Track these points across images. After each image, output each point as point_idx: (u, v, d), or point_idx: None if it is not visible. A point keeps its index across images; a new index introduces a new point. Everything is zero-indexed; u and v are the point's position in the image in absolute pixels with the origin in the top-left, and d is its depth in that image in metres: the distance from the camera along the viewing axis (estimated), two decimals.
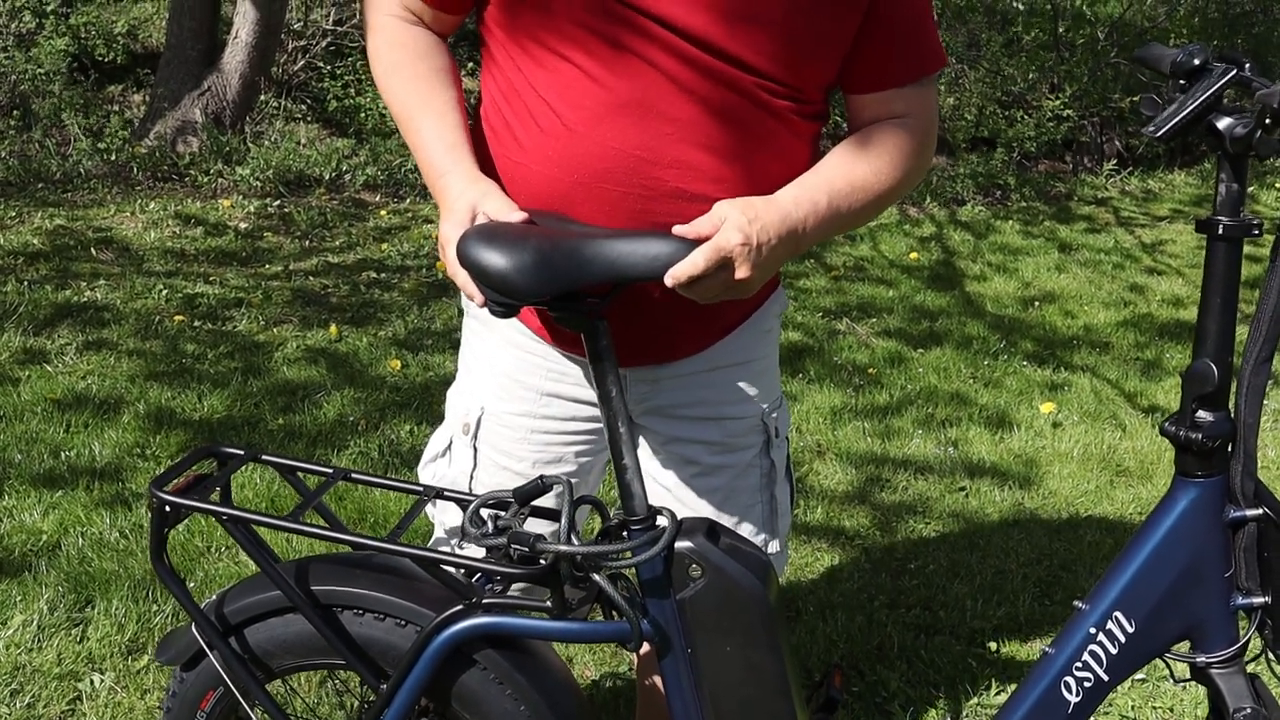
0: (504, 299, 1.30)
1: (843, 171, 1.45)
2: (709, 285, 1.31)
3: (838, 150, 1.49)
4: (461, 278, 1.34)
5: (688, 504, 1.64)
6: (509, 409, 1.61)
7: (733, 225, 1.30)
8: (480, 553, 1.42)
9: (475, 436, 1.63)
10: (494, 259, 1.28)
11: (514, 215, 1.36)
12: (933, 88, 1.53)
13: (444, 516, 1.68)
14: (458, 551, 1.59)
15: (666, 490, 1.66)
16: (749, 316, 1.63)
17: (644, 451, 1.67)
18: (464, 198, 1.39)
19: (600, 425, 1.61)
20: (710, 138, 1.41)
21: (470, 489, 1.64)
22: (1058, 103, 8.21)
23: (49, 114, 6.95)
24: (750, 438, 1.65)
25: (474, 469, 1.63)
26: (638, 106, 1.39)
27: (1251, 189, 8.11)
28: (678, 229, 1.31)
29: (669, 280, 1.29)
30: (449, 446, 1.67)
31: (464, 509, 1.47)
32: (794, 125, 1.47)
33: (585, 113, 1.40)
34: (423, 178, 1.51)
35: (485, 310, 1.51)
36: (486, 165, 1.50)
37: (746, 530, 1.67)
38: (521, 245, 1.29)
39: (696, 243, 1.30)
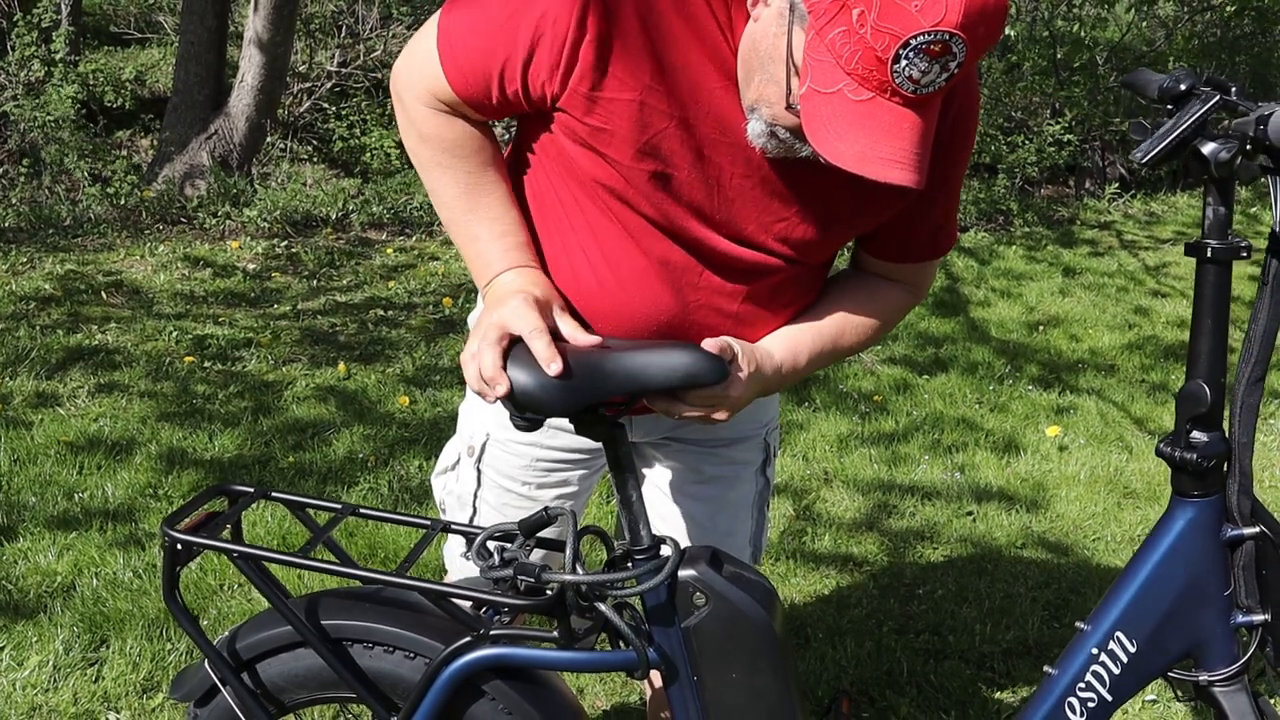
0: (530, 415, 1.33)
1: (829, 332, 1.51)
2: (686, 413, 1.38)
3: (835, 305, 1.53)
4: (530, 329, 1.33)
5: (686, 513, 1.68)
6: (514, 437, 1.64)
7: (734, 381, 1.37)
8: (487, 584, 1.44)
9: (479, 459, 1.67)
10: (519, 376, 1.31)
11: (588, 338, 1.36)
12: (938, 262, 1.60)
13: (451, 546, 1.71)
14: (465, 584, 1.61)
15: (664, 503, 1.71)
16: None
17: (647, 470, 1.72)
18: (539, 287, 1.38)
19: (599, 447, 1.66)
20: (737, 298, 1.46)
21: (474, 507, 1.67)
22: (1059, 127, 8.25)
23: (58, 160, 7.02)
24: (752, 454, 1.70)
25: (478, 489, 1.68)
26: (671, 275, 1.43)
27: (1254, 210, 8.13)
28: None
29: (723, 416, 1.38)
30: (457, 463, 1.71)
31: (469, 542, 1.50)
32: (815, 274, 1.53)
33: (623, 271, 1.43)
34: (476, 275, 1.45)
35: None
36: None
37: (736, 543, 1.71)
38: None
39: (710, 353, 1.33)
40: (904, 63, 1.11)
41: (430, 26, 1.41)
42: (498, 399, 1.32)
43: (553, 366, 1.29)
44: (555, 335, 1.35)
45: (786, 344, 1.48)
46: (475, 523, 1.67)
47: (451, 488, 1.71)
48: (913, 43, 1.10)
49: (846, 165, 1.16)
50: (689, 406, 1.36)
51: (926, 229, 1.50)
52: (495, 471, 1.67)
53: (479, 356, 1.32)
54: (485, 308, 1.39)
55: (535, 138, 1.44)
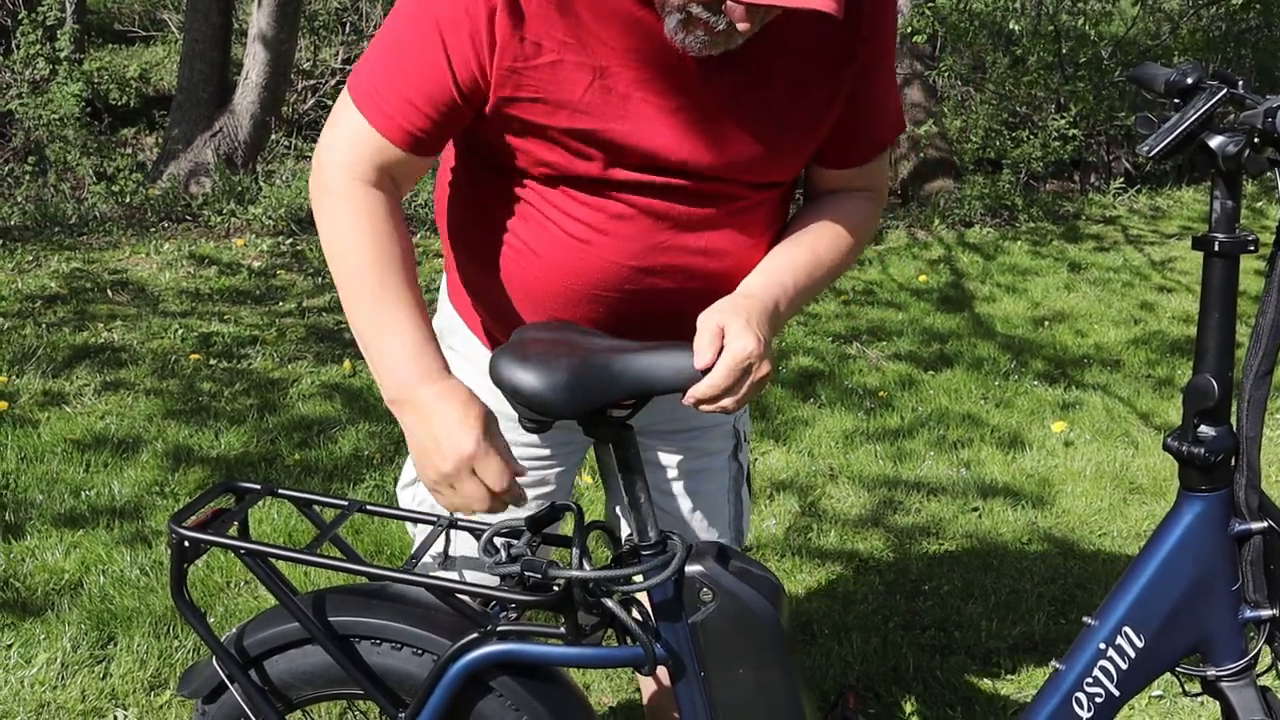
0: (538, 417, 1.34)
1: (805, 252, 1.48)
2: (741, 394, 1.33)
3: (801, 228, 1.51)
4: (501, 490, 1.37)
5: (663, 508, 1.68)
6: None
7: (738, 332, 1.32)
8: (493, 580, 1.45)
9: None
10: (528, 379, 1.31)
11: (517, 467, 1.39)
12: (888, 154, 1.58)
13: (456, 540, 1.70)
14: (472, 580, 1.61)
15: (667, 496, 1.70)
16: None
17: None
18: (474, 407, 1.37)
19: (575, 442, 1.67)
20: (700, 242, 1.45)
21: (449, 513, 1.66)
22: (1064, 122, 8.23)
23: (63, 159, 7.04)
24: (722, 442, 1.70)
25: None
26: (631, 225, 1.42)
27: (1260, 204, 8.11)
28: (696, 362, 1.32)
29: (690, 399, 1.33)
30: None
31: (477, 538, 1.50)
32: (775, 206, 1.51)
33: (581, 228, 1.42)
34: (381, 379, 1.40)
35: (458, 339, 1.59)
36: (474, 250, 1.52)
37: (716, 531, 1.71)
38: (554, 364, 1.32)
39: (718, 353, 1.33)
40: None
41: (342, 102, 1.40)
42: (512, 404, 1.34)
43: (523, 503, 1.40)
44: None
45: (759, 276, 1.44)
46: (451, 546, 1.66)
47: (422, 497, 1.69)
48: None
49: None
50: (735, 390, 1.33)
51: (862, 123, 1.48)
52: None
53: (470, 494, 1.37)
54: (416, 434, 1.38)
55: (467, 155, 1.46)
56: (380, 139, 1.37)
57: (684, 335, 1.51)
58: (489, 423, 1.37)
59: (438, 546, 1.68)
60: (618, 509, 1.74)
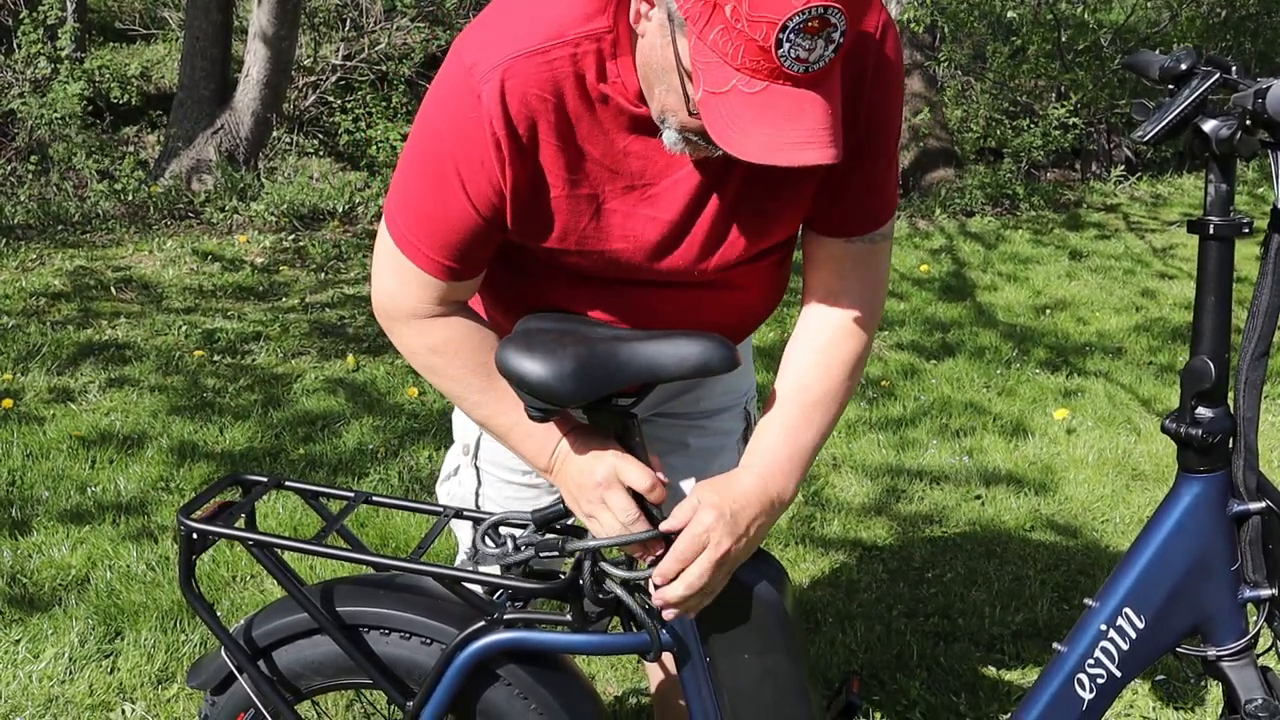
0: (544, 405, 1.35)
1: (810, 432, 1.45)
2: (711, 580, 1.36)
3: (801, 390, 1.46)
4: (631, 521, 1.38)
5: (675, 490, 1.69)
6: None
7: (706, 505, 1.36)
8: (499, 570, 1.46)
9: (475, 456, 1.69)
10: (534, 367, 1.33)
11: (656, 491, 1.39)
12: (882, 245, 1.50)
13: (462, 535, 1.72)
14: (479, 569, 1.63)
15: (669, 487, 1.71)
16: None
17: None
18: (604, 463, 1.40)
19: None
20: (692, 300, 1.48)
21: (478, 505, 1.68)
22: (1064, 111, 8.23)
23: (66, 157, 7.05)
24: (734, 423, 1.72)
25: (479, 487, 1.69)
26: (641, 293, 1.46)
27: (1261, 190, 8.11)
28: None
29: (658, 600, 1.36)
30: (457, 469, 1.73)
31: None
32: (769, 267, 1.53)
33: (582, 293, 1.46)
34: (532, 459, 1.47)
35: None
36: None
37: None
38: (560, 352, 1.33)
39: (723, 340, 1.35)
40: (787, 46, 1.11)
41: (383, 237, 1.42)
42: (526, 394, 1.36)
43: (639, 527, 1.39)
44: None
45: (761, 460, 1.43)
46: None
47: (455, 493, 1.75)
48: (790, 25, 1.10)
49: (758, 159, 1.16)
50: (705, 577, 1.36)
51: (851, 203, 1.44)
52: (494, 465, 1.69)
53: (618, 510, 1.38)
54: (570, 485, 1.43)
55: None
56: (429, 278, 1.40)
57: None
58: (616, 466, 1.40)
59: (465, 543, 1.70)
60: None
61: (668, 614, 1.38)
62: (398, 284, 1.42)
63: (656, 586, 1.36)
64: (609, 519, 1.38)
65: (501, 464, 1.68)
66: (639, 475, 1.38)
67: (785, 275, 1.58)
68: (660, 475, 1.39)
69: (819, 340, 1.46)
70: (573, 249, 1.39)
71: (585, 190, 1.35)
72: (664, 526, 1.36)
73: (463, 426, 1.72)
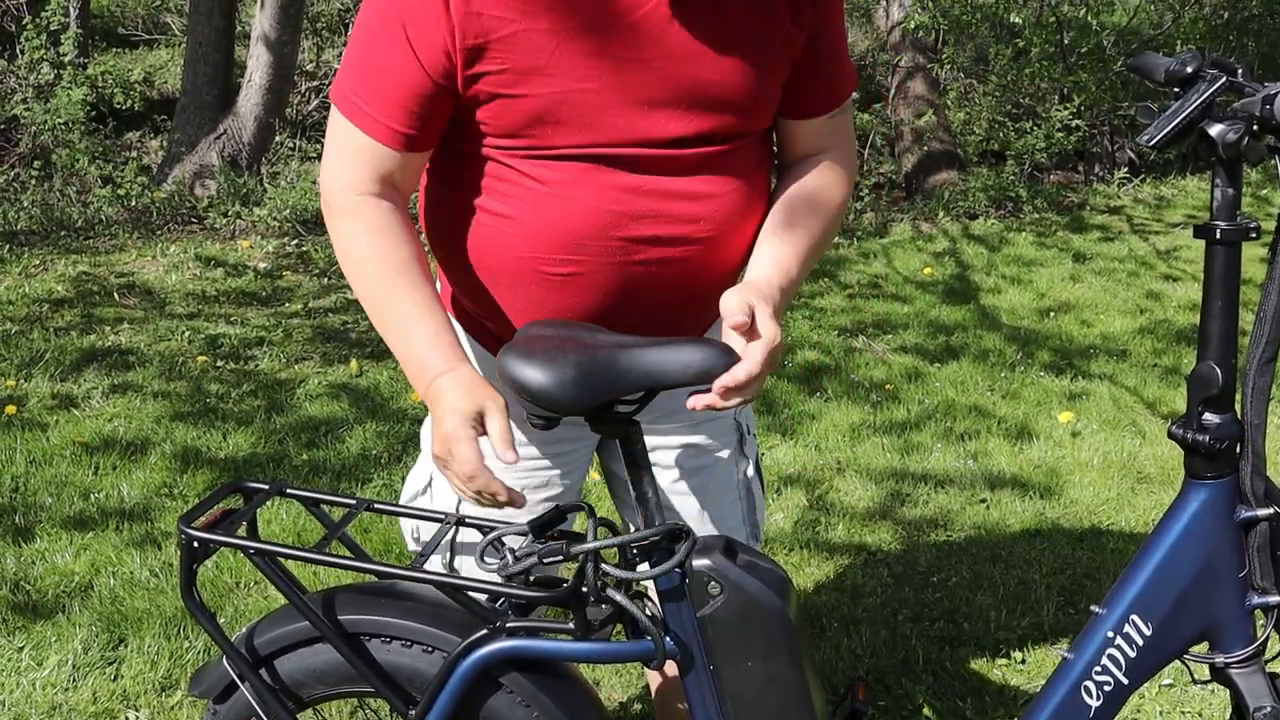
0: (545, 413, 1.34)
1: (802, 237, 1.50)
2: (758, 387, 1.35)
3: (791, 208, 1.53)
4: (467, 475, 1.38)
5: (672, 508, 1.68)
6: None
7: (766, 318, 1.34)
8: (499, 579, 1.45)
9: None
10: (535, 374, 1.32)
11: (508, 455, 1.37)
12: (850, 112, 1.61)
13: (424, 532, 1.70)
14: (482, 576, 1.62)
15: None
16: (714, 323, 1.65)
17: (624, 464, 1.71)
18: (471, 394, 1.39)
19: (582, 445, 1.67)
20: (679, 186, 1.45)
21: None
22: (1067, 113, 8.22)
23: (69, 163, 7.05)
24: (725, 437, 1.69)
25: (459, 501, 1.65)
26: (608, 174, 1.43)
27: (1265, 191, 8.10)
28: (729, 337, 1.34)
29: (720, 388, 1.32)
30: (429, 483, 1.69)
31: (484, 534, 1.51)
32: (749, 154, 1.51)
33: (559, 182, 1.43)
34: (411, 378, 1.45)
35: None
36: (457, 243, 1.52)
37: (729, 527, 1.71)
38: (561, 360, 1.32)
39: (725, 346, 1.33)
40: None
41: (332, 116, 1.45)
42: (520, 401, 1.34)
43: (505, 502, 1.39)
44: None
45: (768, 264, 1.46)
46: (456, 539, 1.65)
47: (426, 508, 1.69)
48: None
49: None
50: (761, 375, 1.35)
51: (822, 74, 1.52)
52: None
53: (456, 475, 1.38)
54: (434, 416, 1.41)
55: (441, 153, 1.48)
56: (374, 144, 1.41)
57: (685, 323, 1.49)
58: (486, 409, 1.38)
59: (423, 537, 1.69)
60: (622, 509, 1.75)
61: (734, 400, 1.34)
62: (343, 158, 1.43)
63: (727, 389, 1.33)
64: (454, 470, 1.37)
65: None
66: (464, 460, 1.36)
67: (760, 202, 1.54)
68: (510, 455, 1.36)
69: (808, 176, 1.55)
70: (532, 92, 1.36)
71: (543, 25, 1.34)
72: (731, 333, 1.33)
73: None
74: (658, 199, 1.43)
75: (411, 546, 1.73)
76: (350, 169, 1.43)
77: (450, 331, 1.44)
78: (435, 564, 1.64)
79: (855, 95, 1.63)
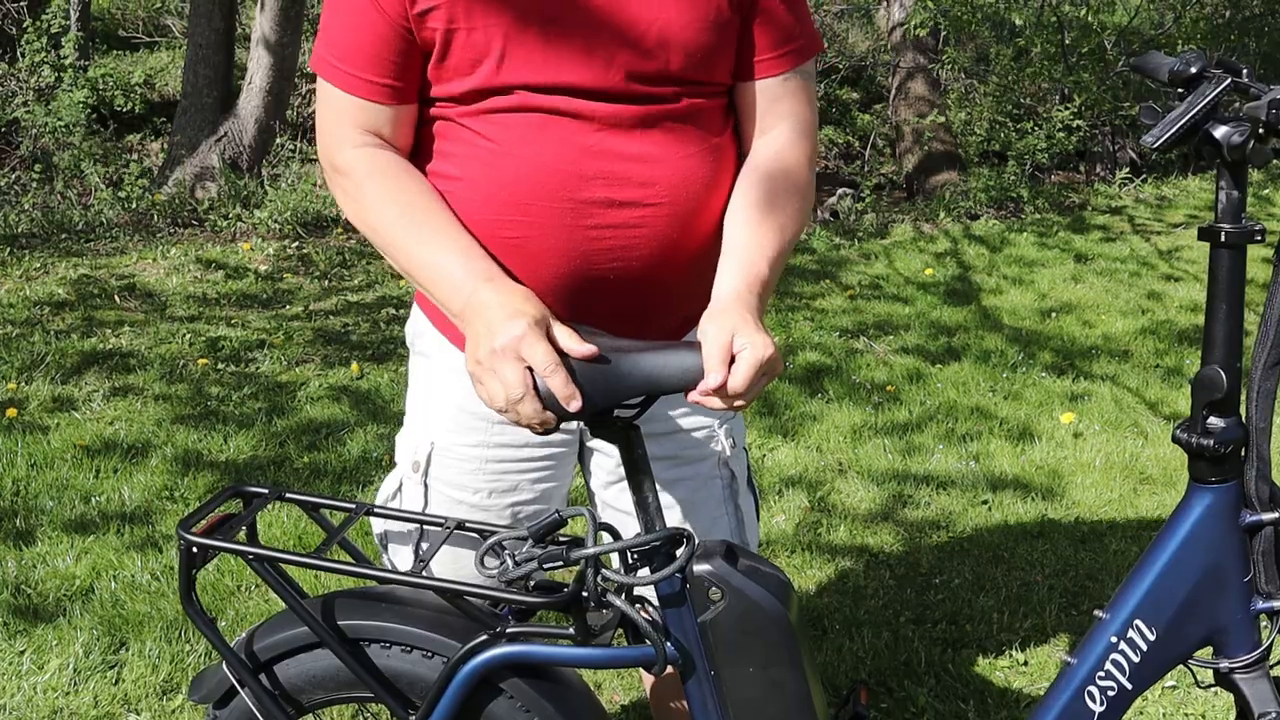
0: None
1: (772, 233, 1.47)
2: (754, 391, 1.33)
3: (755, 199, 1.49)
4: (549, 369, 1.30)
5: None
6: (461, 440, 1.60)
7: (749, 336, 1.31)
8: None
9: (425, 473, 1.62)
10: (536, 381, 1.31)
11: (585, 348, 1.32)
12: (812, 79, 1.57)
13: (397, 559, 1.67)
14: (482, 582, 1.61)
15: (626, 514, 1.64)
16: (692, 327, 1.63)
17: (599, 478, 1.68)
18: (534, 300, 1.35)
19: (559, 451, 1.64)
20: (632, 147, 1.43)
21: (421, 530, 1.62)
22: (1068, 113, 8.21)
23: (70, 165, 7.05)
24: (706, 448, 1.66)
25: (425, 506, 1.62)
26: (557, 127, 1.42)
27: (1267, 191, 8.09)
28: (706, 383, 1.31)
29: (703, 394, 1.31)
30: (399, 489, 1.65)
31: (484, 538, 1.50)
32: (706, 114, 1.49)
33: (507, 137, 1.42)
34: (446, 300, 1.39)
35: (429, 344, 1.57)
36: None
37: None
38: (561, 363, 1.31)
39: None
40: None
41: (318, 86, 1.49)
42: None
43: (573, 404, 1.29)
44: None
45: (736, 275, 1.42)
46: (422, 548, 1.62)
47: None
48: None
49: None
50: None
51: (779, 28, 1.50)
52: (444, 484, 1.62)
53: (510, 383, 1.29)
54: (476, 330, 1.33)
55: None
56: (356, 100, 1.44)
57: (656, 313, 1.48)
58: (547, 317, 1.34)
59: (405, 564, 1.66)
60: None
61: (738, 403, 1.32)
62: (331, 121, 1.47)
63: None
64: (496, 388, 1.31)
65: (454, 482, 1.62)
66: (542, 359, 1.29)
67: (724, 180, 1.52)
68: (588, 348, 1.31)
69: (771, 157, 1.51)
70: (476, 24, 1.37)
71: None
72: (714, 382, 1.29)
73: (411, 443, 1.64)
74: (609, 160, 1.42)
75: (380, 548, 1.71)
76: (339, 129, 1.46)
77: (482, 249, 1.41)
78: (436, 569, 1.62)
79: (832, 71, 1.61)
